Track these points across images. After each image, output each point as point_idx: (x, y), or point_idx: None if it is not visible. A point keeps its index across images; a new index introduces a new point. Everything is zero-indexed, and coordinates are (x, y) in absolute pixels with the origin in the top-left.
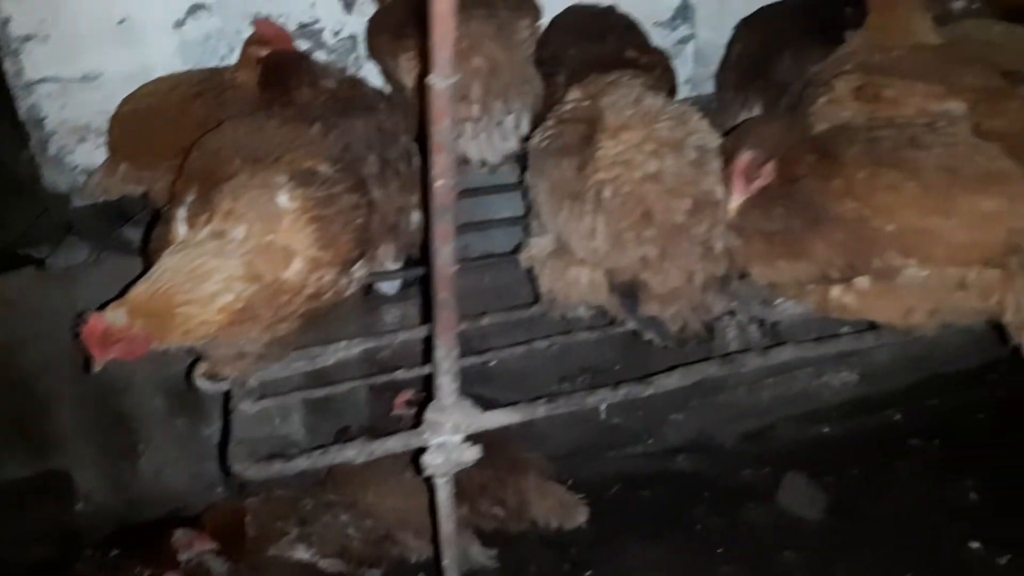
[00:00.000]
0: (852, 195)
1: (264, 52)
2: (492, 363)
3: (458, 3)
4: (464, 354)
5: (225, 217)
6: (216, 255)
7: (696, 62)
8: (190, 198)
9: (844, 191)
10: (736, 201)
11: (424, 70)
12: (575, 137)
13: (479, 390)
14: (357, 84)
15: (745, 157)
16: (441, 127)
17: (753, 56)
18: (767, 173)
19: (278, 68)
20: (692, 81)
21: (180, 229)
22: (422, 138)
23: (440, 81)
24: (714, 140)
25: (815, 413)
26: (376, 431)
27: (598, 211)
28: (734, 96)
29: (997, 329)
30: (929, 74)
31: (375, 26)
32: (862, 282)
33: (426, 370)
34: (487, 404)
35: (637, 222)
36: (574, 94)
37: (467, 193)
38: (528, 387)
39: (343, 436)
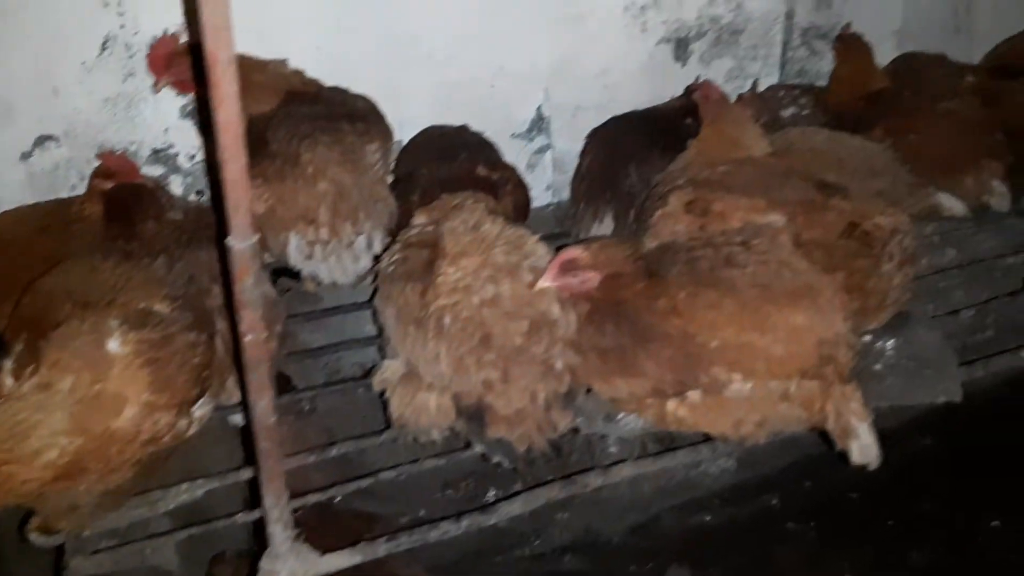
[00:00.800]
0: (676, 313)
1: (110, 184)
2: (337, 499)
3: (306, 130)
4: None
5: (52, 367)
6: (40, 409)
7: (555, 170)
8: (18, 347)
9: (669, 310)
10: (543, 284)
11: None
12: (418, 263)
13: (361, 505)
14: (204, 214)
15: (570, 252)
16: (244, 285)
17: (600, 168)
18: (585, 276)
19: (123, 201)
20: (553, 187)
21: (7, 381)
22: (228, 296)
23: (238, 243)
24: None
25: (697, 502)
26: (252, 555)
27: (440, 337)
28: (585, 207)
29: (823, 435)
30: (752, 188)
31: None
32: (694, 396)
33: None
34: (368, 519)
35: (477, 347)
36: (419, 218)
37: (339, 310)
38: (411, 497)
39: (217, 563)
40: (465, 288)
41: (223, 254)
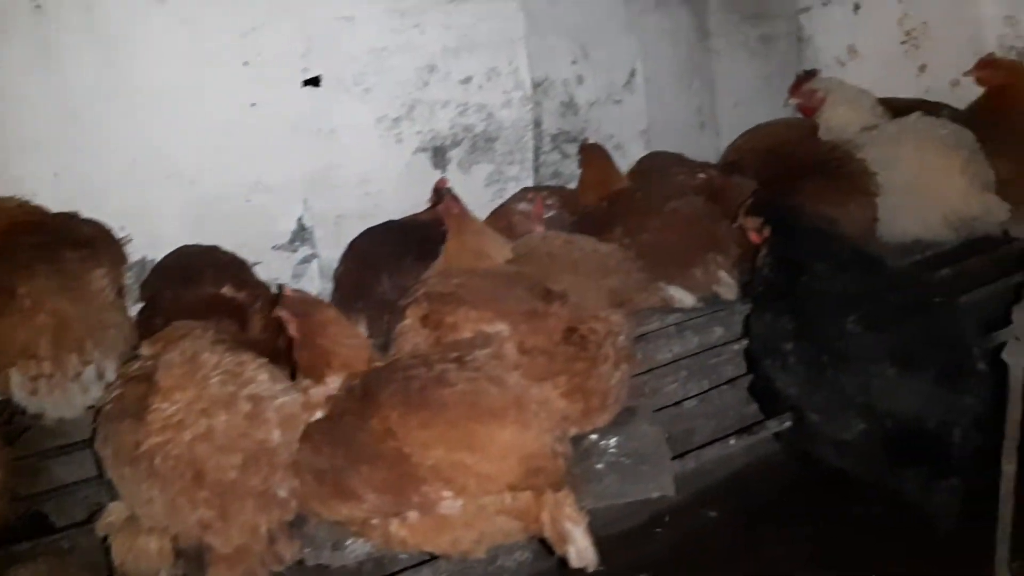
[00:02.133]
0: (391, 434)
1: None
2: None
3: (23, 261)
4: None
5: None
6: None
7: (322, 278)
8: None
9: (383, 431)
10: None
11: None
12: (134, 399)
13: None
14: None
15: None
16: None
17: (352, 277)
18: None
19: None
20: (322, 296)
21: None
22: None
23: None
24: (273, 388)
25: None
26: None
27: (152, 477)
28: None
29: (542, 543)
30: (481, 300)
31: None
32: (413, 516)
33: None
34: None
35: (189, 485)
36: (144, 349)
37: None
38: None
39: None
40: (177, 424)
41: None
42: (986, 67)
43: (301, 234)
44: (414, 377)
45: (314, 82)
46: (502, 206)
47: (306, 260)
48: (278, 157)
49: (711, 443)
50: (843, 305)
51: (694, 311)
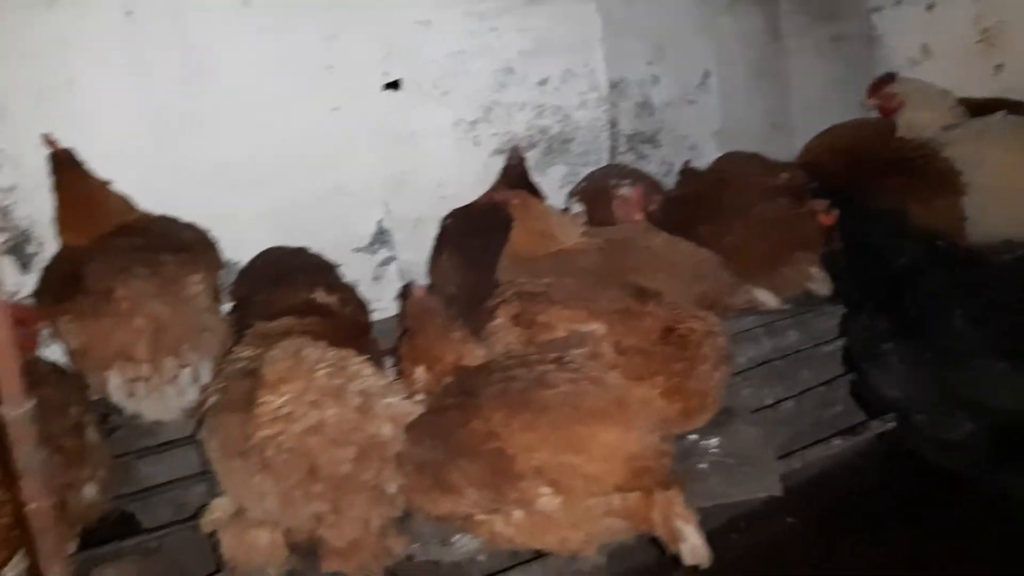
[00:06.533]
0: (493, 435)
1: None
2: None
3: (121, 264)
4: None
5: None
6: None
7: (402, 280)
8: None
9: (485, 431)
10: None
11: None
12: (239, 393)
13: None
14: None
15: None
16: (22, 452)
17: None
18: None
19: None
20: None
21: None
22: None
23: (11, 411)
24: (378, 381)
25: None
26: None
27: (265, 470)
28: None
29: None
30: (574, 300)
31: (39, 290)
32: (518, 514)
33: None
34: None
35: (304, 479)
36: (242, 349)
37: (180, 442)
38: None
39: None
40: (287, 416)
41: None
42: None
43: (381, 237)
44: (515, 378)
45: (394, 86)
46: (595, 185)
47: (385, 263)
48: (359, 161)
49: (815, 444)
50: (946, 301)
51: (780, 312)
